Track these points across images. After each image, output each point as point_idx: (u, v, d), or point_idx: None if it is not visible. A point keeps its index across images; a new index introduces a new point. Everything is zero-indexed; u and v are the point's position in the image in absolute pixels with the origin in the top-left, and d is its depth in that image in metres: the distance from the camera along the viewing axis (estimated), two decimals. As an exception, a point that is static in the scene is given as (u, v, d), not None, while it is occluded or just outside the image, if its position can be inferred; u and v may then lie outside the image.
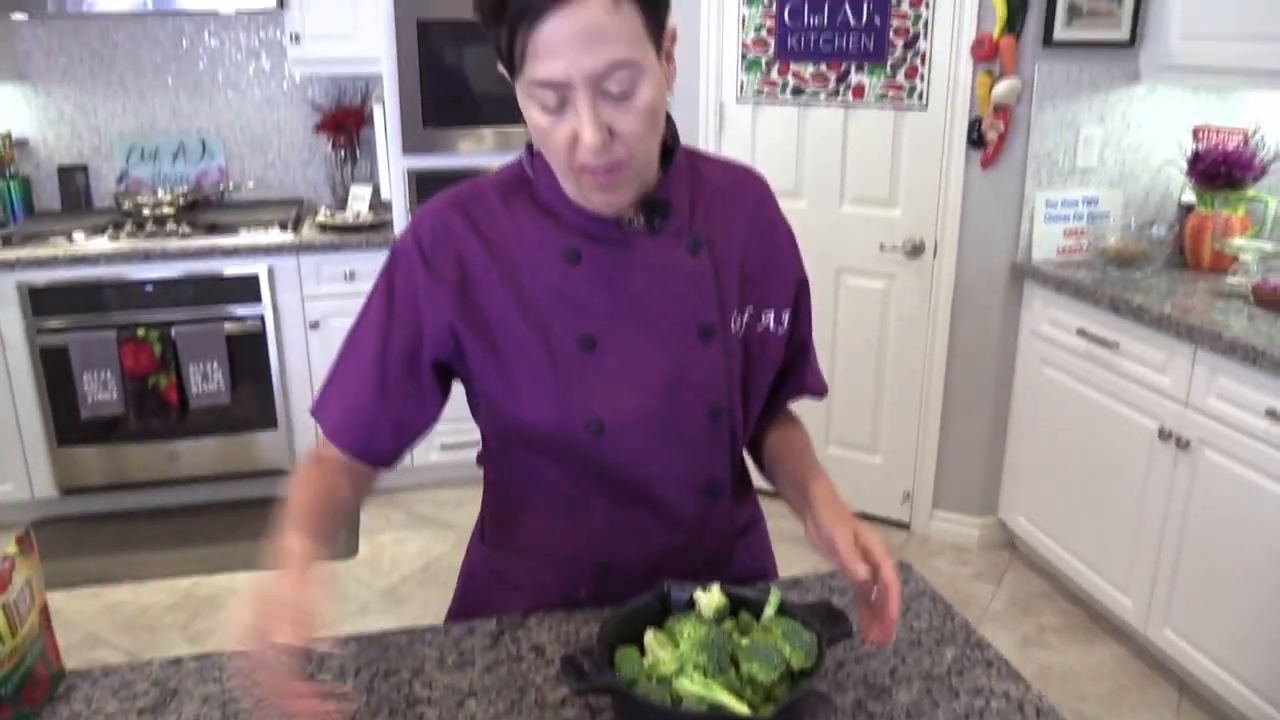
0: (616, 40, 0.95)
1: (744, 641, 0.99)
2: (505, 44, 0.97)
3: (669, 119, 1.11)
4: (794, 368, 1.29)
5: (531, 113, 1.01)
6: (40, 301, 3.27)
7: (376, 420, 1.15)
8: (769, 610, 1.03)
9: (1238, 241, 2.78)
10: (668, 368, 1.13)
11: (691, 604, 1.05)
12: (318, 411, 1.18)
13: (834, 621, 1.02)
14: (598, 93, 0.97)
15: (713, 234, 1.16)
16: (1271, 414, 2.22)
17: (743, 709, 0.92)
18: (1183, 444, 2.48)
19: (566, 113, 0.99)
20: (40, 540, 1.18)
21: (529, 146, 1.14)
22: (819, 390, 1.32)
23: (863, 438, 3.46)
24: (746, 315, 1.18)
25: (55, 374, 3.31)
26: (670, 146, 1.14)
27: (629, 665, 0.97)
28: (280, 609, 0.91)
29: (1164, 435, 2.53)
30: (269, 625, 0.89)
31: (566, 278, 1.11)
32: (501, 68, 1.03)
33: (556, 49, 0.94)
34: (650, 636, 1.00)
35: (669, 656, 0.97)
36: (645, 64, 0.98)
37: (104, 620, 2.98)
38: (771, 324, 1.21)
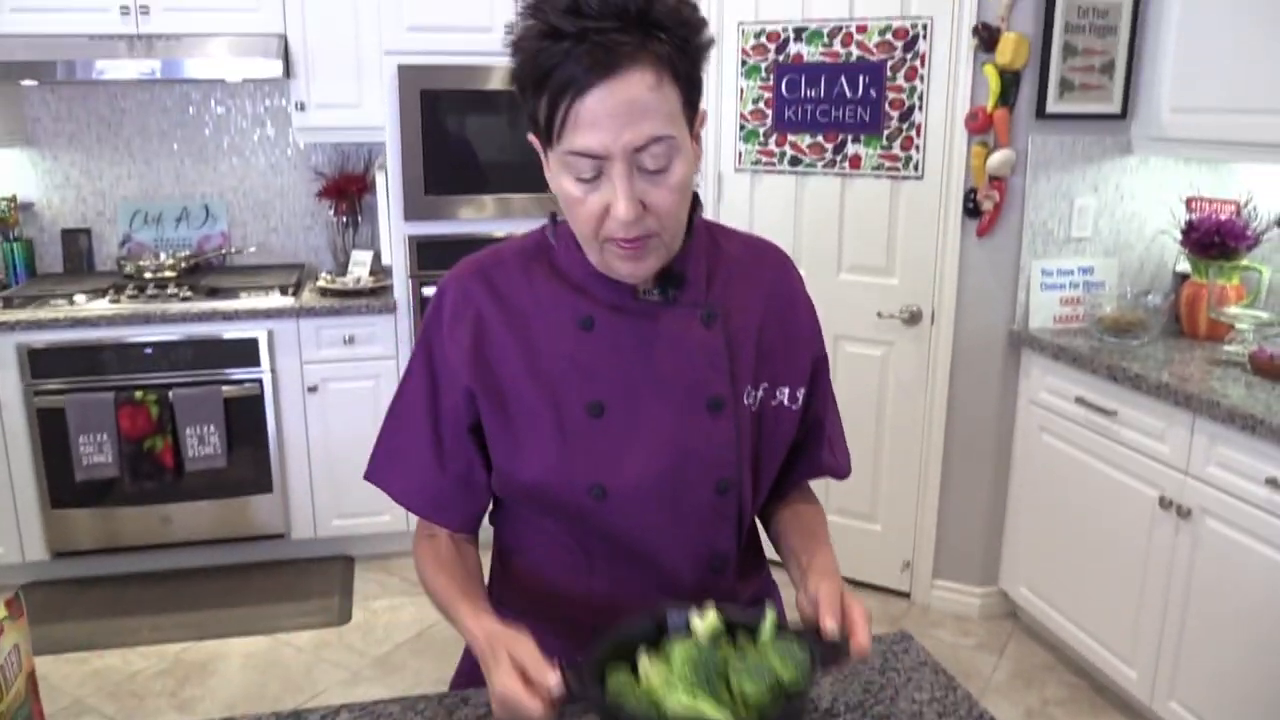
0: (656, 116, 0.98)
1: (738, 662, 0.98)
2: (545, 114, 1.00)
3: (693, 194, 1.14)
4: (808, 446, 1.28)
5: (563, 182, 1.03)
6: (39, 363, 3.27)
7: (442, 488, 1.19)
8: (764, 631, 1.02)
9: (1233, 310, 2.80)
10: (675, 438, 1.13)
11: (688, 628, 1.04)
12: (378, 479, 1.22)
13: (831, 644, 1.01)
14: (633, 166, 1.00)
15: (729, 307, 1.17)
16: (1272, 483, 2.21)
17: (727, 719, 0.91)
18: (1184, 513, 2.46)
19: (600, 184, 1.01)
20: (29, 604, 1.16)
21: (552, 216, 1.17)
22: (838, 471, 1.30)
23: (862, 506, 3.44)
24: (761, 390, 1.19)
25: (51, 436, 3.29)
26: (690, 219, 1.15)
27: (619, 683, 0.97)
28: (538, 677, 0.95)
29: (1165, 504, 2.52)
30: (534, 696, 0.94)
31: (580, 345, 1.12)
32: (532, 137, 1.06)
33: (598, 121, 0.97)
34: (644, 658, 1.00)
35: (659, 676, 0.97)
36: (680, 141, 1.01)
37: (91, 686, 2.92)
38: (786, 400, 1.21)
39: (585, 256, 1.12)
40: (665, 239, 1.07)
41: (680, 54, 1.00)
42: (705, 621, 1.02)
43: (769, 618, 1.02)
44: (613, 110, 0.96)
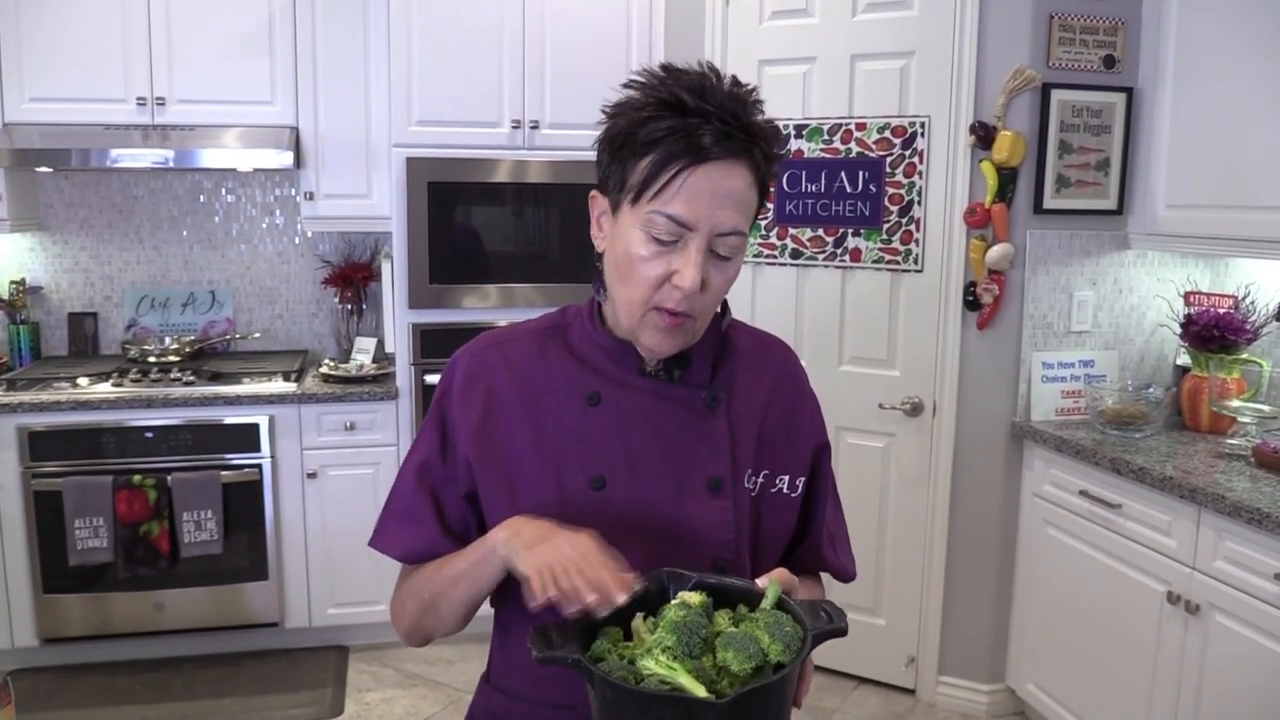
0: (743, 211, 1.07)
1: (730, 629, 0.96)
2: (644, 174, 1.06)
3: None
4: (809, 538, 1.28)
5: (633, 239, 1.08)
6: (38, 445, 3.26)
7: (445, 550, 1.18)
8: (765, 602, 1.00)
9: (1235, 404, 2.80)
10: (673, 516, 1.14)
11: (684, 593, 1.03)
12: (381, 545, 1.21)
13: (830, 618, 0.99)
14: (710, 246, 1.07)
15: (733, 393, 1.20)
16: (1281, 578, 2.19)
17: (700, 692, 0.88)
18: (1192, 608, 2.42)
19: (673, 251, 1.07)
20: (17, 691, 1.14)
21: (596, 285, 1.20)
22: (842, 573, 1.31)
23: (865, 599, 3.39)
24: (761, 476, 1.21)
25: (47, 519, 3.26)
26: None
27: (603, 643, 0.96)
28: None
29: (1173, 599, 2.48)
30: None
31: (585, 419, 1.15)
32: (596, 195, 1.13)
33: (700, 195, 1.04)
34: (638, 620, 0.99)
35: (650, 639, 0.95)
36: (745, 242, 1.10)
37: (74, 781, 2.85)
38: (785, 488, 1.23)
39: (597, 334, 1.17)
40: (697, 325, 1.12)
41: (766, 165, 1.09)
42: (696, 598, 1.01)
43: (772, 591, 1.01)
44: (715, 190, 1.04)
